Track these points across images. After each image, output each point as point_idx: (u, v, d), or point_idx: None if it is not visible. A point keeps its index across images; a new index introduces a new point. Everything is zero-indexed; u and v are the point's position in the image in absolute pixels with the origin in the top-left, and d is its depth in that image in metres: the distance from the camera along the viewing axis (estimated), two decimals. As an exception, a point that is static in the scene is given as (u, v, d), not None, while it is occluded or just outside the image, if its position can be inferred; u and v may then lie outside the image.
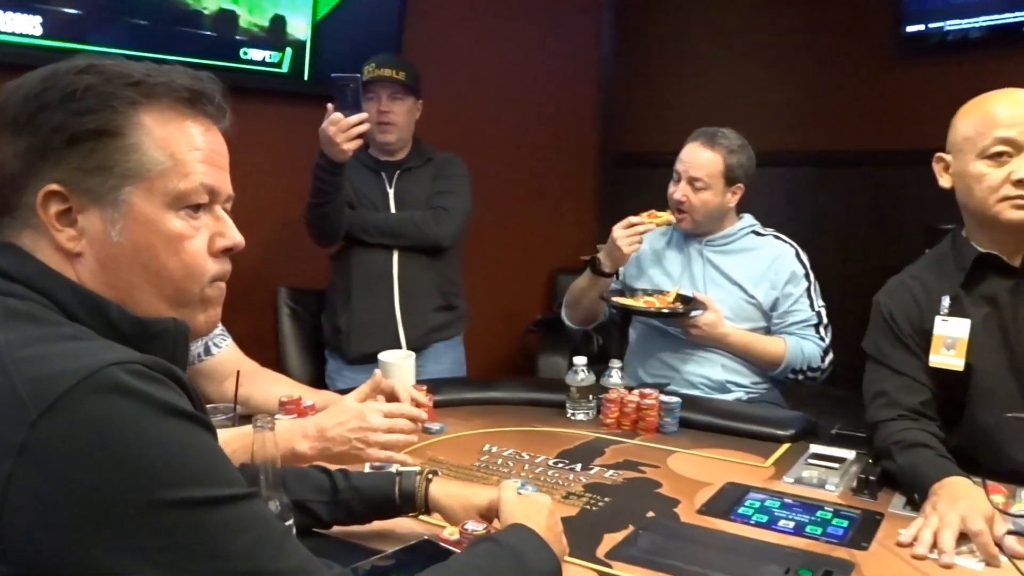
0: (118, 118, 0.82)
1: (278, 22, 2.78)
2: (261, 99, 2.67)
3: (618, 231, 2.16)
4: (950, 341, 1.48)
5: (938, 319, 1.49)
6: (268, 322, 2.58)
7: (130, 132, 0.82)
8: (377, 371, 1.58)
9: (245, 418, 1.39)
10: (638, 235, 2.15)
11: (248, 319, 2.19)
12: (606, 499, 1.40)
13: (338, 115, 2.03)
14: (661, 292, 2.18)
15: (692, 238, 2.26)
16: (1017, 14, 3.07)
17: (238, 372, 1.55)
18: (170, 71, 0.87)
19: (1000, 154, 1.41)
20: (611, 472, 1.52)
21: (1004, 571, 1.14)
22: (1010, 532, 1.19)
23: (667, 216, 2.19)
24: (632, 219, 2.17)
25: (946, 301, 1.49)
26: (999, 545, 1.17)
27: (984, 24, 3.15)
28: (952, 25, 3.23)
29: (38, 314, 0.78)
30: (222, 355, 1.71)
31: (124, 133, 0.82)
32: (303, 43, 2.85)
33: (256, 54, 2.75)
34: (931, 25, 3.28)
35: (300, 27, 2.83)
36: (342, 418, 1.38)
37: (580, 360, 1.83)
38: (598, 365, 1.89)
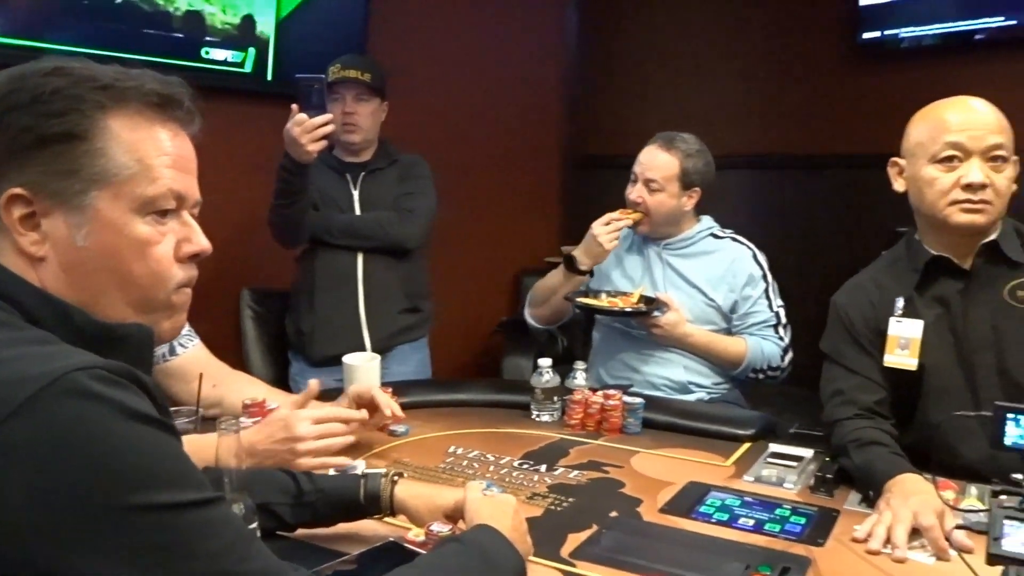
0: (85, 122, 0.82)
1: (241, 22, 2.76)
2: (224, 99, 2.64)
3: (598, 227, 2.19)
4: (904, 341, 1.52)
5: (892, 320, 1.53)
6: (231, 324, 2.56)
7: (97, 136, 0.82)
8: (312, 381, 1.57)
9: (210, 420, 1.38)
10: (617, 231, 2.19)
11: (210, 321, 2.16)
12: (570, 499, 1.41)
13: (303, 116, 2.02)
14: (625, 293, 2.21)
15: (651, 241, 2.29)
16: (969, 22, 3.16)
17: (200, 375, 1.53)
18: (139, 75, 0.86)
19: (950, 159, 1.46)
20: (575, 472, 1.54)
21: (953, 565, 1.18)
22: (959, 527, 1.23)
23: (639, 213, 2.23)
24: (611, 215, 2.20)
25: (900, 302, 1.54)
26: (949, 540, 1.21)
27: (938, 32, 3.24)
28: (907, 32, 3.31)
29: (1, 319, 0.77)
30: (188, 355, 1.70)
31: (91, 137, 0.82)
32: (266, 43, 2.82)
33: (218, 54, 2.72)
34: (887, 32, 3.36)
35: (263, 27, 2.81)
36: (269, 431, 1.39)
37: (545, 362, 1.84)
38: (562, 366, 1.90)
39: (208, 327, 1.83)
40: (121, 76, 0.85)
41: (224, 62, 2.73)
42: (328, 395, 1.67)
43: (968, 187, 1.43)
